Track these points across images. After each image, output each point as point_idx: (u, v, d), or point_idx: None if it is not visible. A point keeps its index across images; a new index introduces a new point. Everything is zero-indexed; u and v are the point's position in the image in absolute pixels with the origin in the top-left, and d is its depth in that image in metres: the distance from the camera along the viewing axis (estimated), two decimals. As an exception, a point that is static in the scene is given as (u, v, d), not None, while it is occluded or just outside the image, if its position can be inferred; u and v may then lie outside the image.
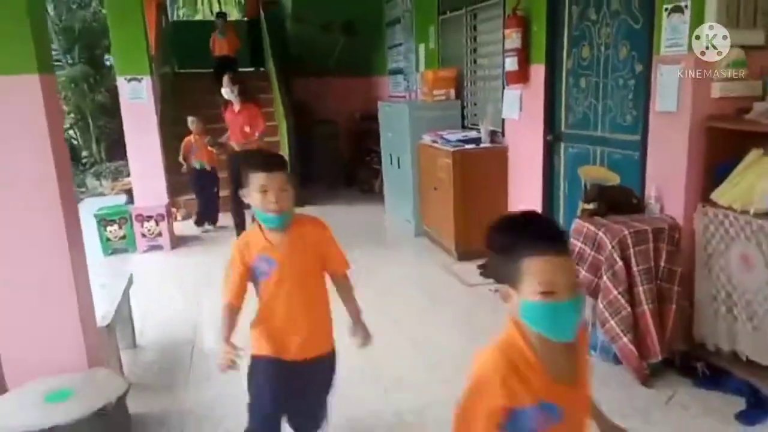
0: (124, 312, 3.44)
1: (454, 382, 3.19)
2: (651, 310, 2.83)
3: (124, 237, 5.73)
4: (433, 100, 5.72)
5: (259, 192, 1.82)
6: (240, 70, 8.37)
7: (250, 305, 2.01)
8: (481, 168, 4.81)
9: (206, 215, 6.43)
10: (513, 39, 4.29)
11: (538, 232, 1.18)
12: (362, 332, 2.04)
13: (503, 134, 4.95)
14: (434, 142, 5.21)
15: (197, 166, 6.27)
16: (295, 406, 2.03)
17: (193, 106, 7.20)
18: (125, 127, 5.99)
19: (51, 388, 2.36)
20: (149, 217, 5.68)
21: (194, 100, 7.88)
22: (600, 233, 2.91)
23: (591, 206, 3.21)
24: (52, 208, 2.38)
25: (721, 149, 2.88)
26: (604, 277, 2.87)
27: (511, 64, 4.36)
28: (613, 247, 2.83)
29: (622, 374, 2.93)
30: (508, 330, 1.23)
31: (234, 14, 10.21)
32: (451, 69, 5.79)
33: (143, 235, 5.71)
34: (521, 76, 4.36)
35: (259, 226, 1.90)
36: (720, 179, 2.85)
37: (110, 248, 5.69)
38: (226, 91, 5.40)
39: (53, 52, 10.04)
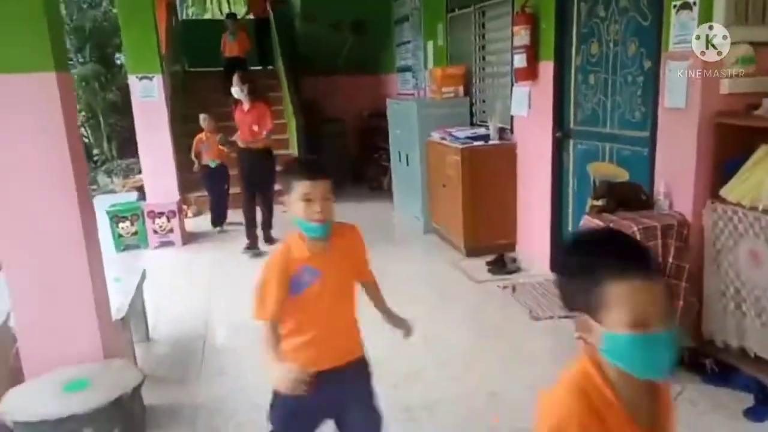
0: (137, 306, 3.49)
1: (464, 379, 3.20)
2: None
3: (136, 233, 5.79)
4: (441, 97, 5.72)
5: (302, 200, 1.78)
6: (249, 68, 8.41)
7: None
8: (489, 165, 4.82)
9: (220, 213, 6.43)
10: (521, 36, 4.30)
11: (623, 253, 1.02)
12: (404, 324, 2.06)
13: (512, 131, 4.95)
14: (443, 139, 5.23)
15: (211, 164, 6.26)
16: (344, 415, 1.93)
17: (203, 104, 7.25)
18: (137, 125, 6.05)
19: (69, 377, 2.42)
20: (161, 214, 5.74)
21: (204, 98, 7.94)
22: (608, 229, 2.92)
23: (600, 203, 3.22)
24: (69, 203, 2.43)
25: (729, 145, 2.88)
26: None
27: (520, 61, 4.37)
28: (621, 243, 2.84)
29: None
30: (580, 365, 1.07)
31: (241, 12, 10.24)
32: (460, 66, 5.79)
33: (155, 232, 5.77)
34: (530, 73, 4.36)
35: (300, 235, 1.85)
36: (729, 175, 2.85)
37: (122, 244, 5.76)
38: (236, 90, 5.43)
39: (65, 51, 10.11)
